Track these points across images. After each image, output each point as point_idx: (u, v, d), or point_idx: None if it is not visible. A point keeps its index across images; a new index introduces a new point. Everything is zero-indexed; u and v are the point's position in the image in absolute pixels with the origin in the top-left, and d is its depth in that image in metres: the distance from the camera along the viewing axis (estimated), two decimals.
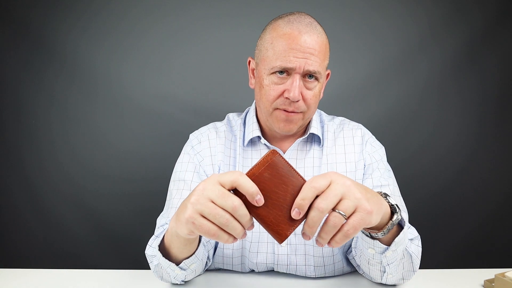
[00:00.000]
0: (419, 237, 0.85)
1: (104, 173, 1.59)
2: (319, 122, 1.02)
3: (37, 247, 1.59)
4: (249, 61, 0.98)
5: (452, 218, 1.58)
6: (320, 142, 0.98)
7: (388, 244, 0.72)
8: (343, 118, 1.07)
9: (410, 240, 0.82)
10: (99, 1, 1.56)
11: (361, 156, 0.97)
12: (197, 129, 1.06)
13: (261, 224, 0.56)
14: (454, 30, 1.55)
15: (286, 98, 0.87)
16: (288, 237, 0.90)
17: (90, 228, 1.59)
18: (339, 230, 0.56)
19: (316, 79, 0.89)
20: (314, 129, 0.97)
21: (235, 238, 0.56)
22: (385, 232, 0.68)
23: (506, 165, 1.57)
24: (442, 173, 1.58)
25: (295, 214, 0.55)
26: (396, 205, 0.68)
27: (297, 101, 0.87)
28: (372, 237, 0.72)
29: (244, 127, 1.01)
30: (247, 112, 1.04)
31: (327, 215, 0.56)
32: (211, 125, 1.05)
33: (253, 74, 0.97)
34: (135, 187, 1.58)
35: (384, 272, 0.80)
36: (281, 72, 0.87)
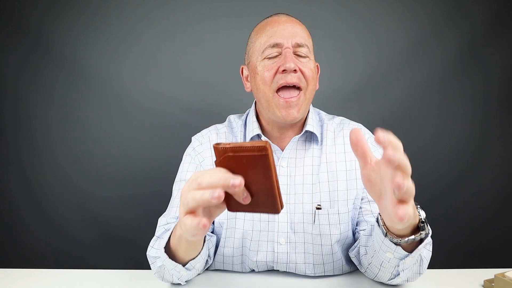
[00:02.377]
0: (431, 242, 0.84)
1: (104, 173, 1.59)
2: (318, 121, 1.03)
3: (38, 247, 1.59)
4: (241, 69, 1.02)
5: (452, 218, 1.58)
6: (318, 141, 0.98)
7: (409, 251, 0.72)
8: (343, 117, 1.07)
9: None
10: (99, 1, 1.56)
11: None
12: (198, 129, 1.08)
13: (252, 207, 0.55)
14: (454, 29, 1.55)
15: (283, 71, 0.88)
16: (287, 233, 0.92)
17: (90, 228, 1.59)
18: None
19: (307, 56, 0.92)
20: (310, 126, 0.97)
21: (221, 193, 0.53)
22: (403, 241, 0.69)
23: (507, 165, 1.57)
24: (442, 174, 1.58)
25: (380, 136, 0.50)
26: (426, 219, 0.68)
27: (295, 71, 0.88)
28: (395, 243, 0.71)
29: (245, 128, 1.02)
30: (248, 114, 1.05)
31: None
32: (212, 127, 1.07)
33: (247, 80, 1.00)
34: (135, 187, 1.58)
35: (398, 275, 0.79)
36: (271, 56, 0.91)
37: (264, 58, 0.91)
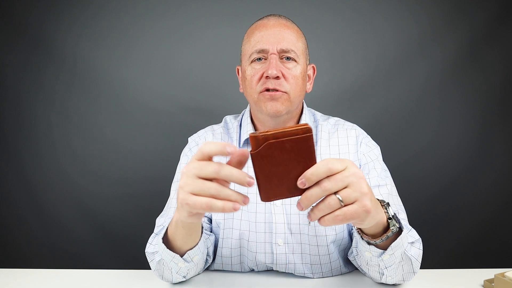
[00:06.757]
0: (420, 240, 0.84)
1: (103, 173, 1.59)
2: (313, 122, 1.03)
3: (37, 247, 1.59)
4: (237, 70, 1.04)
5: (452, 218, 1.58)
6: None
7: (385, 248, 0.72)
8: (338, 118, 1.07)
9: (411, 243, 0.80)
10: (99, 0, 1.56)
11: (356, 157, 0.98)
12: (198, 129, 1.09)
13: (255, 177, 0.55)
14: (455, 28, 1.55)
15: (266, 77, 0.90)
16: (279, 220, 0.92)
17: (90, 228, 1.59)
18: (331, 212, 0.55)
19: (294, 60, 0.92)
20: None
21: (235, 206, 0.55)
22: (377, 242, 0.70)
23: (508, 166, 1.57)
24: (443, 174, 1.57)
25: (300, 183, 0.54)
26: (394, 215, 0.69)
27: (277, 78, 0.90)
28: (368, 243, 0.72)
29: (240, 129, 1.03)
30: (243, 114, 1.06)
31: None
32: (208, 127, 1.08)
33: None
34: (135, 187, 1.58)
35: (383, 274, 0.80)
36: (259, 59, 0.93)
37: (252, 62, 0.94)
